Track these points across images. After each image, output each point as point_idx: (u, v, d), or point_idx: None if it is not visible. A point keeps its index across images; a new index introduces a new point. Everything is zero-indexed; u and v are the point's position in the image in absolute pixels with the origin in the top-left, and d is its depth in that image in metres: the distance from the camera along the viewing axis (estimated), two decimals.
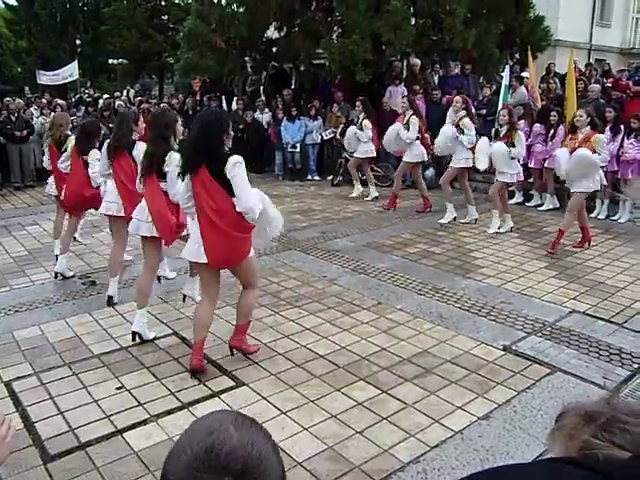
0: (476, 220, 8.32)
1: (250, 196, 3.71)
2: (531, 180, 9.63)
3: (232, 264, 4.05)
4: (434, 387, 3.91)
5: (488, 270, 6.32)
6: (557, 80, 12.13)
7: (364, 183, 10.38)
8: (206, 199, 3.76)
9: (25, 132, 11.61)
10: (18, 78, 30.10)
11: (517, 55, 13.62)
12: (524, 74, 12.13)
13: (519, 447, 3.23)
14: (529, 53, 10.88)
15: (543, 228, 8.10)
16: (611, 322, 4.95)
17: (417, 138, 8.85)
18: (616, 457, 0.84)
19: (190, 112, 13.07)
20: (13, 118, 11.59)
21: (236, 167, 3.69)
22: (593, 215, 8.56)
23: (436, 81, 12.30)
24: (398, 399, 3.76)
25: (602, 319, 5.01)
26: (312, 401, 3.74)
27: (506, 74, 10.32)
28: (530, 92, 10.50)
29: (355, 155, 10.12)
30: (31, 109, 12.98)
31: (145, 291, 4.74)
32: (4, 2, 30.46)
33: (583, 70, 13.11)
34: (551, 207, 9.21)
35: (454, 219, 8.34)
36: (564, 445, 0.91)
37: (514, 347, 4.48)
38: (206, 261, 3.87)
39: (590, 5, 22.76)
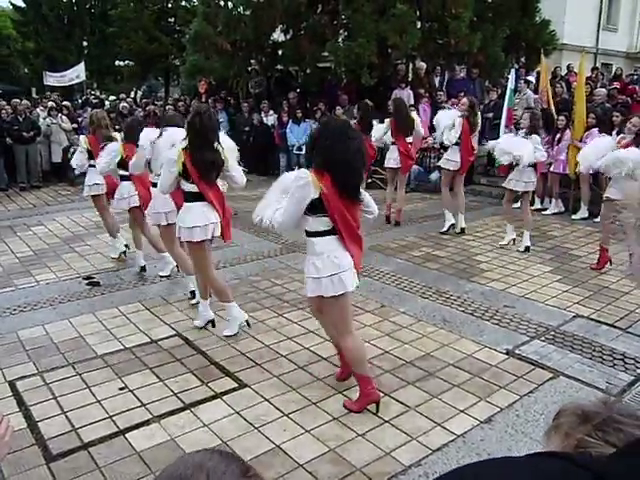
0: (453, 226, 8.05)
1: None
2: None
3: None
4: (436, 390, 3.90)
5: (492, 274, 6.31)
6: (563, 84, 12.12)
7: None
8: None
9: (32, 133, 11.68)
10: (25, 79, 30.28)
11: (523, 59, 13.62)
12: (529, 78, 12.13)
13: (521, 451, 3.22)
14: (542, 56, 10.85)
15: (547, 232, 8.08)
16: (615, 327, 4.94)
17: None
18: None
19: None
20: (20, 119, 11.66)
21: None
22: (598, 220, 8.54)
23: (437, 84, 12.30)
24: (400, 402, 3.76)
25: (606, 324, 5.00)
26: (314, 403, 3.74)
27: (511, 78, 10.32)
28: (540, 95, 10.46)
29: None
30: (37, 110, 13.04)
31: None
32: (12, 3, 30.62)
33: (589, 74, 13.11)
34: (556, 211, 9.20)
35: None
36: (560, 444, 0.91)
37: (517, 351, 4.47)
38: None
39: (597, 9, 22.77)
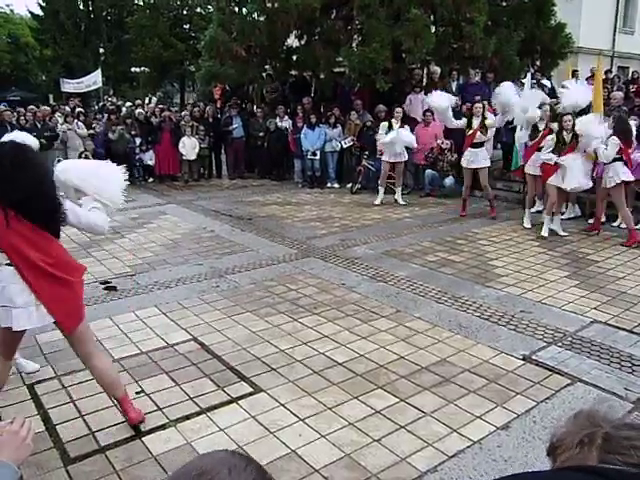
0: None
1: None
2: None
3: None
4: (453, 396, 3.88)
5: (508, 279, 6.27)
6: None
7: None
8: None
9: (48, 133, 11.68)
10: (43, 86, 30.73)
11: (538, 62, 13.54)
12: (544, 81, 12.06)
13: (538, 458, 3.19)
14: (599, 61, 10.62)
15: (564, 237, 8.01)
16: (633, 332, 4.88)
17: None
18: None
19: (210, 120, 13.20)
20: (39, 125, 11.80)
21: None
22: (616, 224, 8.46)
23: (454, 88, 12.28)
24: (416, 408, 3.75)
25: (624, 329, 4.94)
26: (330, 408, 3.74)
27: (527, 81, 10.25)
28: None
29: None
30: (56, 116, 13.20)
31: None
32: (30, 12, 31.11)
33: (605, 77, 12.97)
34: (572, 216, 9.12)
35: None
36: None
37: (534, 357, 4.44)
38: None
39: (613, 12, 22.61)
